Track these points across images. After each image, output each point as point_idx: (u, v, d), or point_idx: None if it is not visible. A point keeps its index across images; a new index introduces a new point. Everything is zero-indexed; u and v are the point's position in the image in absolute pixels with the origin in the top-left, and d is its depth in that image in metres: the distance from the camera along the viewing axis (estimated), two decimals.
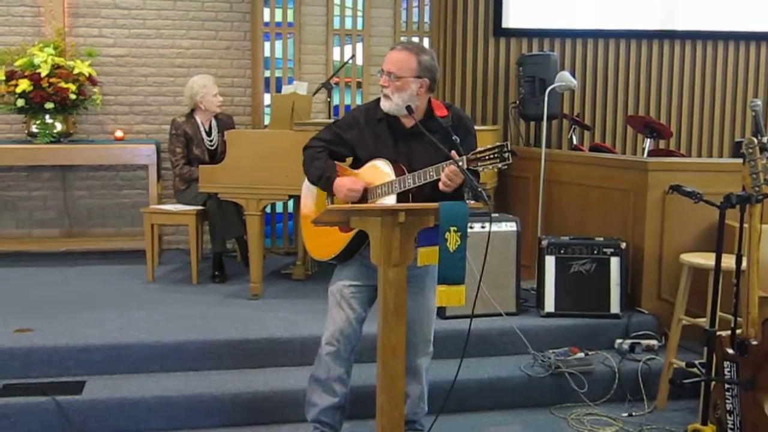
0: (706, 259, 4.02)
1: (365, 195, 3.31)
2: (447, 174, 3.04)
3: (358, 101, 6.75)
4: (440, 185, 3.07)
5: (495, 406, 4.23)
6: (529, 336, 4.53)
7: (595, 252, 4.76)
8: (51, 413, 3.74)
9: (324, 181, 3.36)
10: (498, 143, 2.98)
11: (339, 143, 3.41)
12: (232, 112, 6.47)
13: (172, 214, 5.65)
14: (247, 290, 5.17)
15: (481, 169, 3.01)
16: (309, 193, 3.57)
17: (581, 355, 4.42)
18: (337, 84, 6.62)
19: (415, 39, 6.79)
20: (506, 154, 2.94)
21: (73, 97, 6.12)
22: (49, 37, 6.37)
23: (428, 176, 3.10)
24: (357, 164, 3.40)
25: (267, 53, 6.71)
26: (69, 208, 6.69)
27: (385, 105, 3.29)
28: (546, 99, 5.77)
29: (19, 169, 6.56)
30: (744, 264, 3.41)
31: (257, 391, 3.98)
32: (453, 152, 3.03)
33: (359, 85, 6.81)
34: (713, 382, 3.54)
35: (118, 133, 6.50)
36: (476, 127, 3.52)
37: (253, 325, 4.48)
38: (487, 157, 2.98)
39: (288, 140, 4.85)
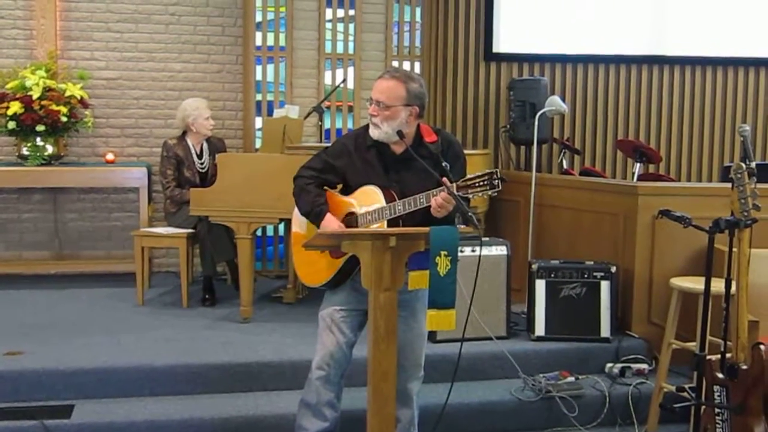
0: (696, 284, 4.03)
1: (356, 221, 3.31)
2: (438, 202, 3.03)
3: (350, 125, 6.77)
4: (432, 211, 3.07)
5: (485, 430, 4.22)
6: (519, 360, 4.53)
7: (586, 276, 4.77)
8: None
9: (313, 217, 3.34)
10: (488, 170, 2.96)
11: (329, 171, 3.40)
12: (223, 135, 6.47)
13: (162, 237, 5.63)
14: (238, 314, 5.15)
15: (471, 196, 3.00)
16: (299, 218, 3.56)
17: (572, 379, 4.42)
18: (328, 108, 6.63)
19: (406, 63, 6.83)
20: (496, 182, 2.93)
21: (64, 119, 6.09)
22: (41, 59, 6.37)
23: (418, 203, 3.10)
24: (347, 191, 3.40)
25: (259, 77, 6.72)
26: (59, 231, 6.66)
27: (374, 133, 3.28)
28: (536, 123, 5.80)
29: (10, 191, 6.54)
30: (733, 288, 3.43)
31: (247, 415, 3.97)
32: (444, 179, 3.03)
33: (350, 109, 6.82)
34: (703, 407, 3.54)
35: (109, 156, 6.48)
36: (467, 151, 3.53)
37: (243, 349, 4.47)
38: (477, 184, 2.97)
39: (279, 164, 4.85)
